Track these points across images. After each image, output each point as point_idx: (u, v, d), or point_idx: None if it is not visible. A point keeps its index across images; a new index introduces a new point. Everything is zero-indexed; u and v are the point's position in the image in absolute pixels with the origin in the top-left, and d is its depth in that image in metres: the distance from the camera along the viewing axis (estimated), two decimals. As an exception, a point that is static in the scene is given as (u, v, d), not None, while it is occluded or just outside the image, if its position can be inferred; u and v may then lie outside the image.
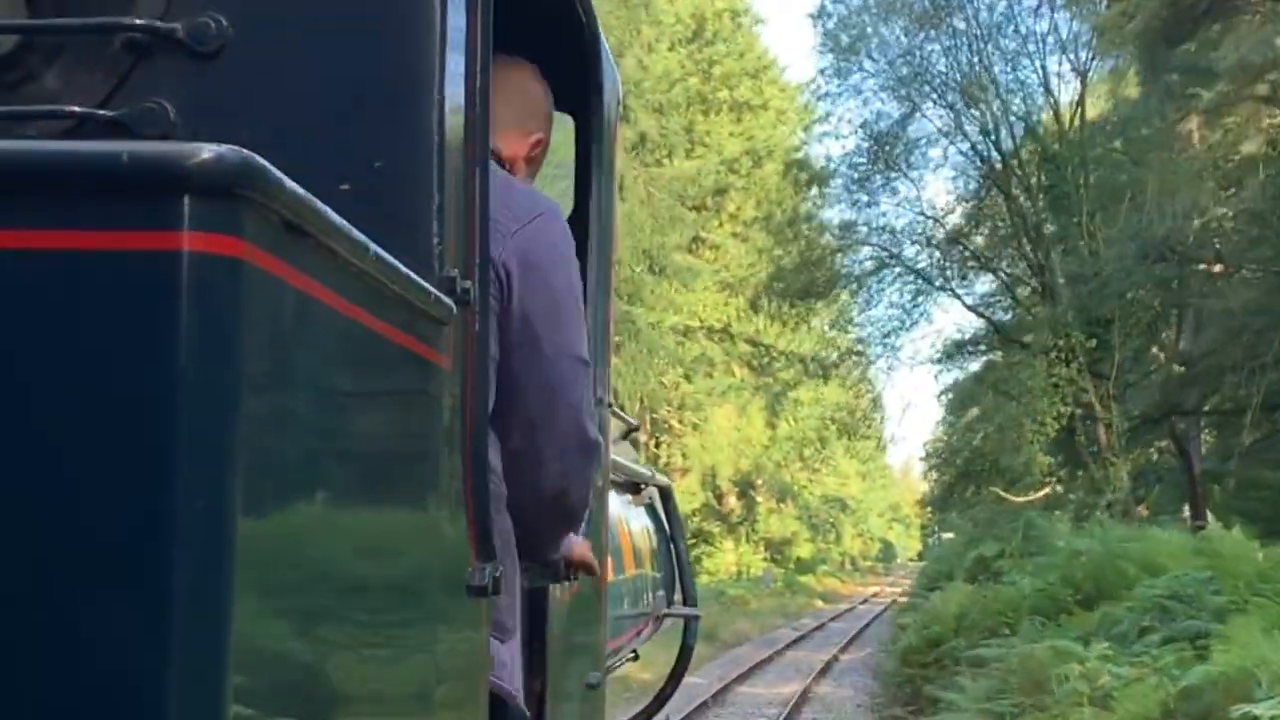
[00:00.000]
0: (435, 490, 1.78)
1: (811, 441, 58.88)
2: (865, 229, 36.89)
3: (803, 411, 54.92)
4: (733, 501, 52.19)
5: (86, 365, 1.16)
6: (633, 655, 4.53)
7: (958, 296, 36.75)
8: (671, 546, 5.02)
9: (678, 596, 5.00)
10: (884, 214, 36.73)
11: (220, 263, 1.17)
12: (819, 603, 48.88)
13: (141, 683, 1.15)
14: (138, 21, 1.73)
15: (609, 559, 3.49)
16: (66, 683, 1.15)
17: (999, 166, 34.19)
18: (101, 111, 1.73)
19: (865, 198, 36.51)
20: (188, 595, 1.15)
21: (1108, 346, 30.49)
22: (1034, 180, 34.10)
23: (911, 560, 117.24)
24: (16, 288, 1.17)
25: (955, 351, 38.25)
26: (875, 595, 58.78)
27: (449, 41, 1.84)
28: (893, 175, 36.48)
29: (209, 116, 1.73)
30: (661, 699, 4.62)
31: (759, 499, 54.87)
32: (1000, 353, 36.67)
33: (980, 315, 37.11)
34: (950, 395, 42.62)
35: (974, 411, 40.62)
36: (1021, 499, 38.06)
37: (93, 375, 1.16)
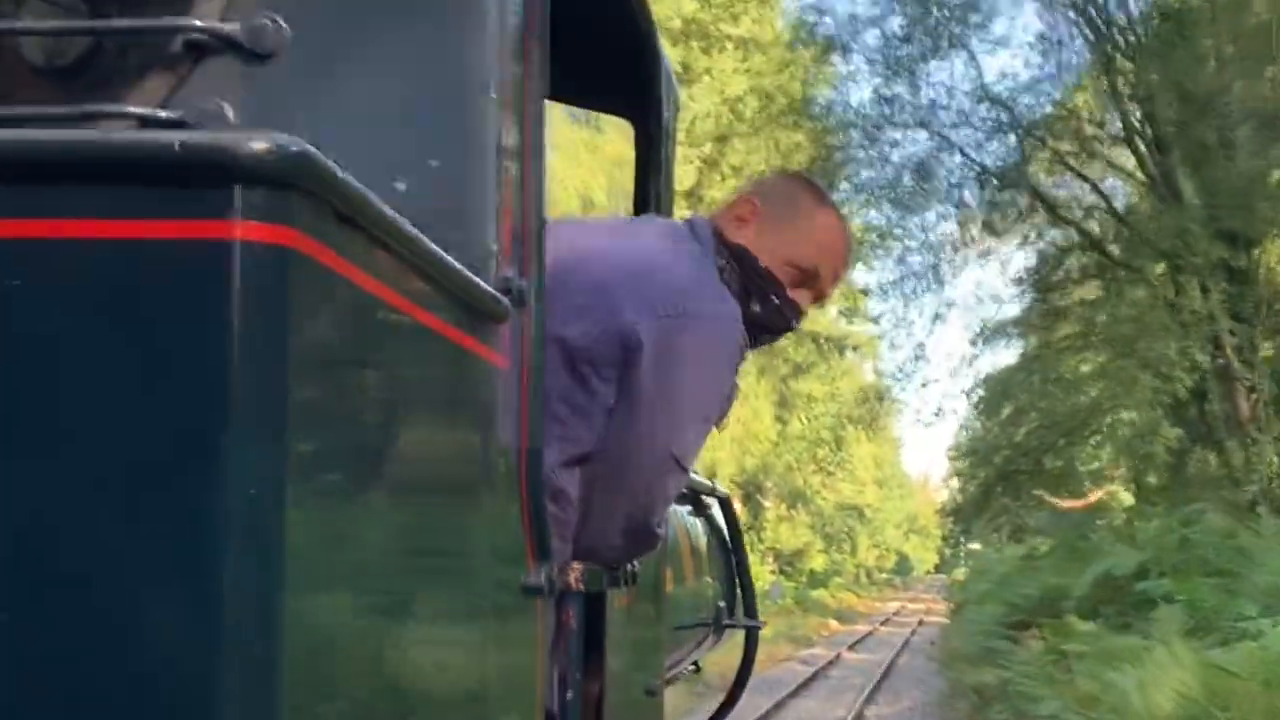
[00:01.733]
0: (489, 489, 1.78)
1: (826, 442, 54.18)
2: (908, 108, 27.22)
3: (816, 409, 50.23)
4: (737, 506, 47.81)
5: (137, 353, 1.16)
6: (694, 667, 4.53)
7: (1041, 198, 27.63)
8: (732, 557, 5.01)
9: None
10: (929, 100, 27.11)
11: (272, 252, 1.17)
12: (833, 623, 41.69)
13: (193, 672, 1.15)
14: (197, 23, 1.74)
15: (669, 568, 3.48)
16: (117, 670, 1.16)
17: (1100, 26, 24.96)
18: (161, 113, 1.75)
19: (901, 76, 26.92)
20: (238, 586, 1.15)
21: (1246, 279, 23.58)
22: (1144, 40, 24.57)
23: (929, 573, 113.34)
24: (69, 276, 1.18)
25: (996, 332, 32.03)
26: (897, 614, 52.71)
27: (505, 42, 1.85)
28: (943, 43, 26.47)
29: (266, 117, 1.74)
30: (723, 714, 4.63)
31: (767, 504, 50.84)
32: (1097, 282, 28.98)
33: (1070, 223, 28.26)
34: (981, 390, 36.48)
35: (1004, 412, 35.15)
36: (1070, 503, 35.27)
37: (143, 363, 1.16)
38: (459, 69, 1.82)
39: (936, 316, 32.03)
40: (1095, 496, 37.55)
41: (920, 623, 41.00)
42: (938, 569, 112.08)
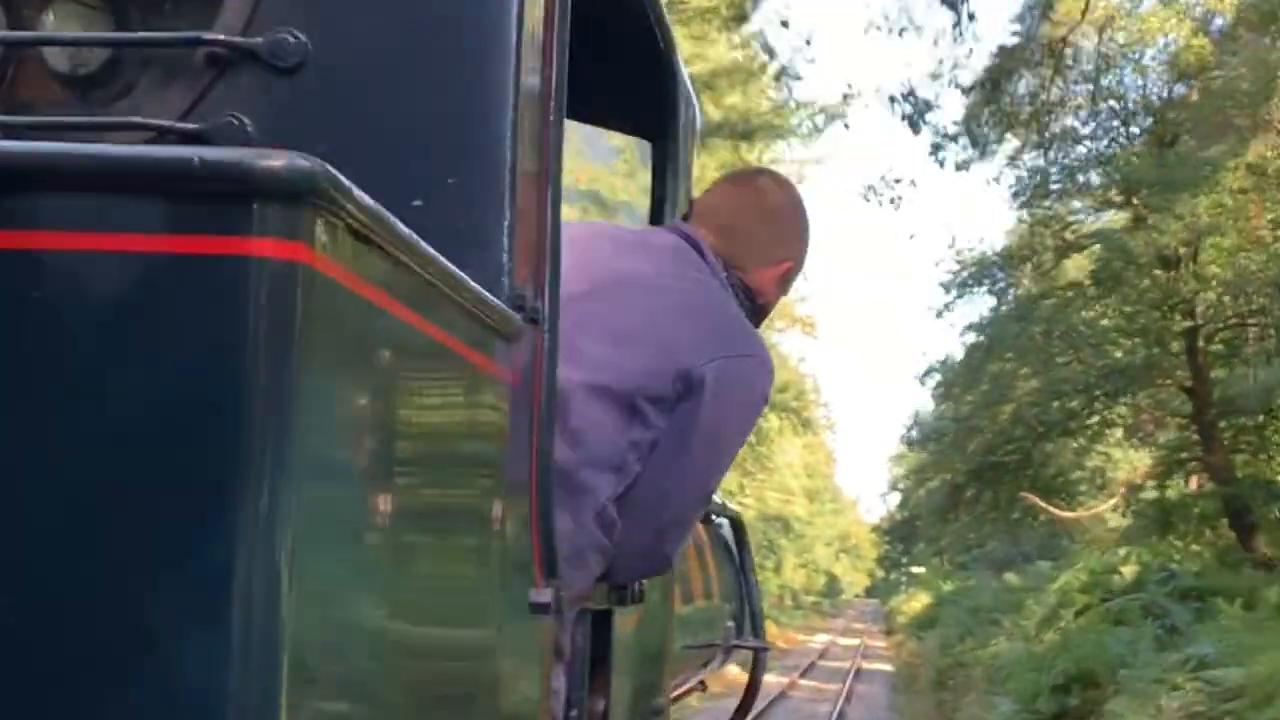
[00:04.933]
0: (499, 507, 1.79)
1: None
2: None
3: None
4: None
5: (152, 367, 1.17)
6: (700, 686, 4.52)
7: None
8: (741, 578, 5.00)
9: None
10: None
11: (287, 268, 1.18)
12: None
13: (199, 680, 1.16)
14: (220, 37, 1.76)
15: (678, 587, 3.48)
16: (127, 675, 1.16)
17: None
18: (181, 124, 1.76)
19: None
20: (247, 598, 1.16)
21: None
22: None
23: (858, 596, 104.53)
24: (85, 288, 1.19)
25: (983, 271, 26.90)
26: (826, 654, 37.98)
27: (524, 62, 1.86)
28: None
29: (286, 131, 1.76)
30: None
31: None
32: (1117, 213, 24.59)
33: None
34: (939, 367, 31.53)
35: (981, 386, 28.08)
36: (1072, 513, 29.42)
37: (158, 376, 1.17)
38: (478, 86, 1.83)
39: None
40: (1111, 503, 30.47)
41: (857, 670, 30.19)
42: (869, 592, 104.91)
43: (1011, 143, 26.32)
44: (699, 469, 2.49)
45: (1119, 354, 25.16)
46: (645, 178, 3.22)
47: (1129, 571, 20.34)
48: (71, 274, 1.19)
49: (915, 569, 63.66)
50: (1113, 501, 30.12)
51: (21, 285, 1.18)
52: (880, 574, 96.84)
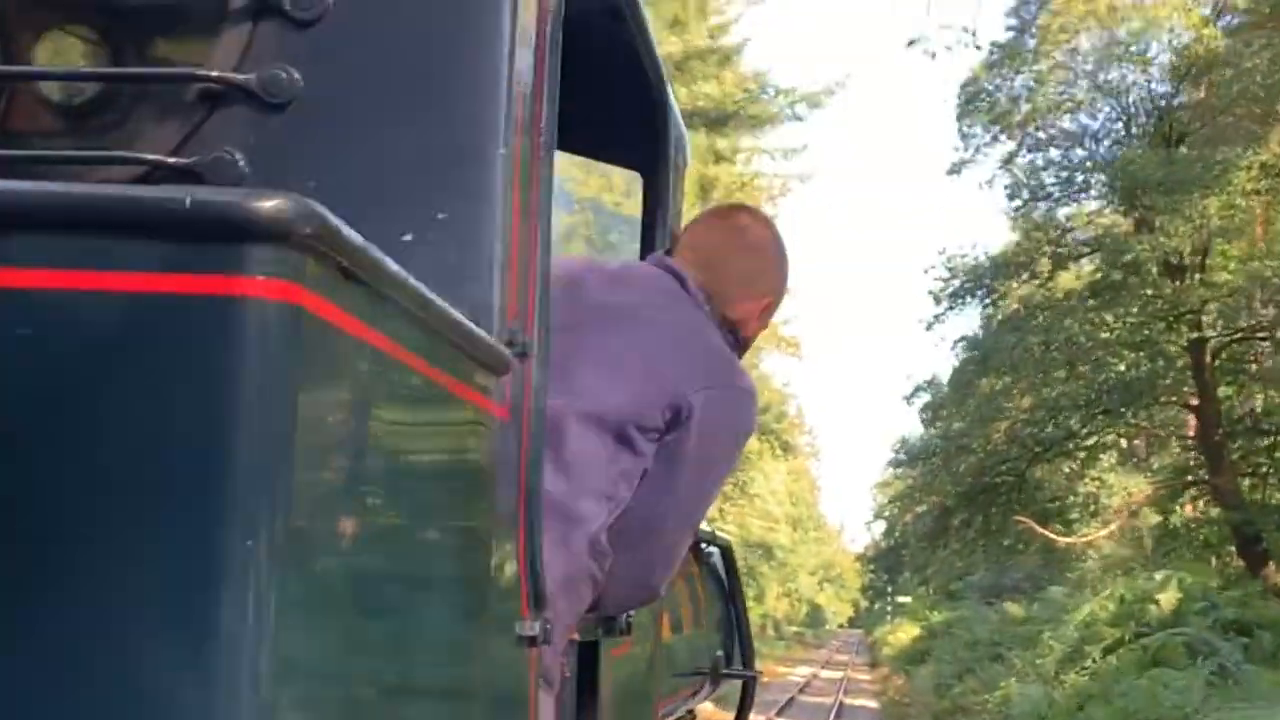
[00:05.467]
0: (488, 541, 1.80)
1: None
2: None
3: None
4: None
5: (144, 406, 1.18)
6: (689, 715, 4.52)
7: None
8: (730, 606, 5.02)
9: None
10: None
11: (279, 309, 1.19)
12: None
13: (182, 712, 1.16)
14: (214, 73, 1.77)
15: (667, 616, 3.49)
16: (111, 709, 1.17)
17: None
18: (173, 159, 1.77)
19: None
20: (232, 637, 1.17)
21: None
22: None
23: (842, 626, 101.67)
24: (78, 327, 1.20)
25: (976, 281, 25.50)
26: (807, 687, 34.41)
27: (514, 97, 1.87)
28: None
29: (278, 166, 1.77)
30: None
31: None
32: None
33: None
34: (926, 387, 30.07)
35: (970, 403, 26.91)
36: (1070, 539, 27.48)
37: (149, 416, 1.18)
38: (469, 121, 1.84)
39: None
40: (1105, 532, 28.71)
41: (839, 708, 27.32)
42: (852, 622, 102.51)
43: (1006, 145, 25.80)
44: (687, 499, 2.51)
45: (1122, 367, 23.88)
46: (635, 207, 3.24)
47: (1167, 601, 17.47)
48: (65, 313, 1.20)
49: (901, 598, 61.86)
50: (1111, 527, 28.37)
51: (14, 324, 1.19)
52: (865, 604, 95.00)
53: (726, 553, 5.03)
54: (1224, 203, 20.34)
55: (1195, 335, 22.12)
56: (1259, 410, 22.04)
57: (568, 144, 2.37)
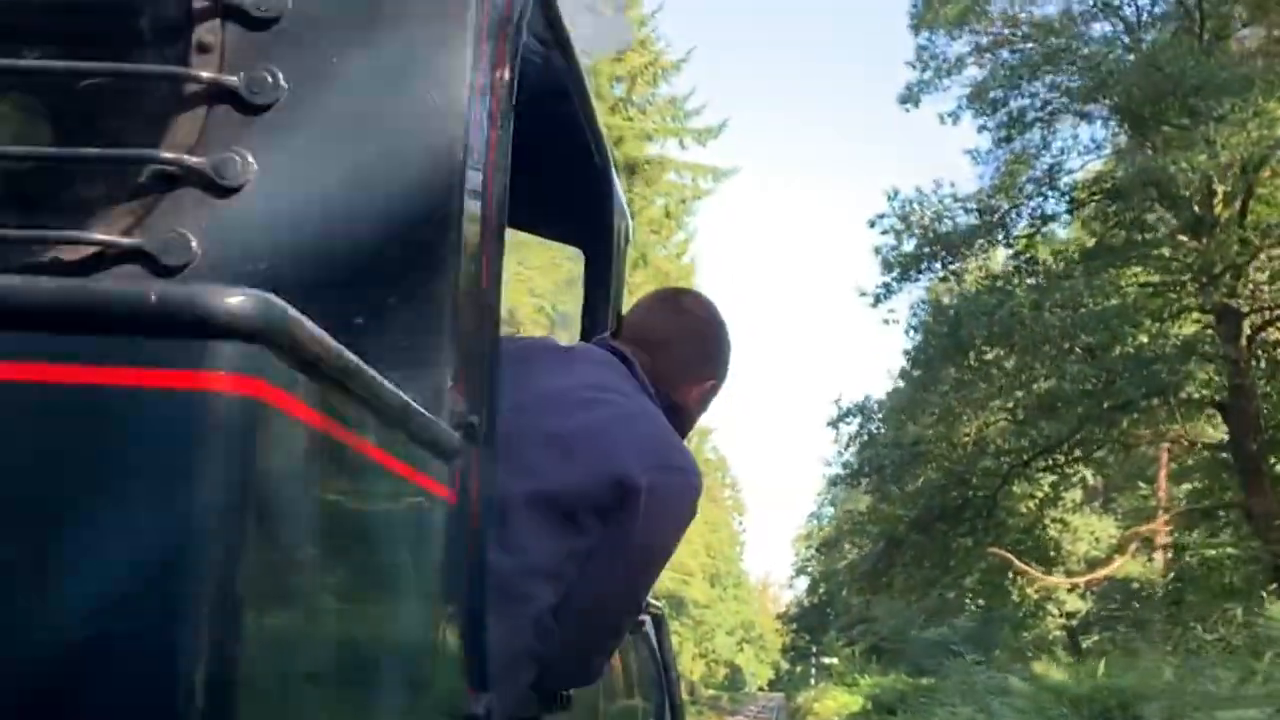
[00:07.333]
0: (437, 619, 1.81)
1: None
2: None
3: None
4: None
5: (107, 500, 1.19)
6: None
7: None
8: (661, 673, 5.01)
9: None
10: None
11: (242, 404, 1.20)
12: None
13: None
14: (168, 155, 1.78)
15: (601, 686, 3.48)
16: None
17: None
18: (125, 239, 1.78)
19: None
20: (192, 712, 1.17)
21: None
22: None
23: (762, 689, 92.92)
24: (41, 421, 1.20)
25: (936, 240, 20.51)
26: None
27: (467, 180, 1.89)
28: None
29: (230, 248, 1.78)
30: None
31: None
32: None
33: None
34: (855, 409, 22.94)
35: (943, 388, 20.70)
36: (1065, 580, 21.79)
37: (113, 510, 1.18)
38: (422, 208, 1.86)
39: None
40: (1109, 569, 22.23)
41: None
42: (773, 685, 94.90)
43: (972, 70, 20.78)
44: (632, 579, 2.53)
45: (1144, 339, 17.97)
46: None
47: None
48: (24, 407, 1.20)
49: (826, 659, 58.87)
50: (1120, 562, 22.27)
51: None
52: (785, 666, 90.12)
53: (659, 622, 5.03)
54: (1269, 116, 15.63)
55: (1228, 299, 16.99)
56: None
57: (511, 219, 2.40)
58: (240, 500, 1.20)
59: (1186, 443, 19.97)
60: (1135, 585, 23.54)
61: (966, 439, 20.72)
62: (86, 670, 1.17)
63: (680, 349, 2.76)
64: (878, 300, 21.94)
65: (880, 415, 23.12)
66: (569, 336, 3.13)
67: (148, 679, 1.17)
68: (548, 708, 2.64)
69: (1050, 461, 20.07)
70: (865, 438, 23.01)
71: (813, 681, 61.56)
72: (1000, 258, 21.51)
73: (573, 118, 2.79)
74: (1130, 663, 16.20)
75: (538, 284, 21.85)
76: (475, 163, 1.92)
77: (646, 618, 4.92)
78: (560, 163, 2.87)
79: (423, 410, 1.66)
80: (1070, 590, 23.61)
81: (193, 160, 1.79)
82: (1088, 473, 22.08)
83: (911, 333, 23.36)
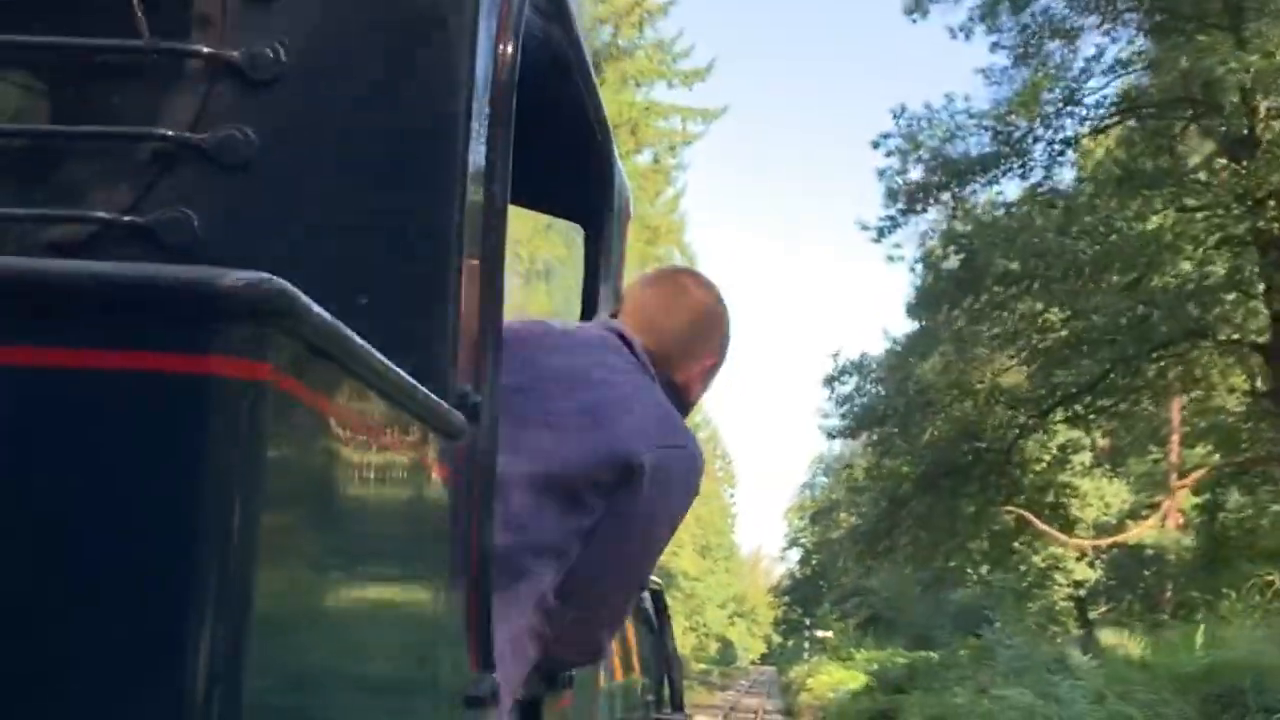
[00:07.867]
0: (442, 600, 1.80)
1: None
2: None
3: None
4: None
5: (109, 485, 1.17)
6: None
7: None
8: (660, 649, 5.03)
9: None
10: None
11: (247, 387, 1.18)
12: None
13: None
14: (168, 132, 1.76)
15: (603, 665, 3.48)
16: None
17: None
18: (126, 218, 1.76)
19: None
20: (200, 693, 1.16)
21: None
22: None
23: (754, 664, 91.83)
24: (42, 404, 1.19)
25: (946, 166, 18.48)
26: None
27: (470, 157, 1.87)
28: None
29: (232, 227, 1.76)
30: None
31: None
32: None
33: None
34: (852, 367, 22.20)
35: (957, 319, 19.08)
36: (1079, 541, 19.94)
37: (115, 495, 1.17)
38: (425, 184, 1.84)
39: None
40: (1141, 528, 20.31)
41: None
42: (764, 659, 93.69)
43: None
44: (634, 557, 2.53)
45: (1187, 266, 15.70)
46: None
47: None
48: (28, 390, 1.18)
49: (820, 632, 57.40)
50: (1149, 523, 20.06)
51: None
52: (778, 640, 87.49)
53: (657, 595, 5.03)
54: None
55: (1269, 228, 15.05)
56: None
57: (512, 196, 2.38)
58: (247, 484, 1.19)
59: (1226, 390, 17.89)
60: (1150, 552, 21.61)
61: (981, 386, 18.71)
62: (90, 654, 1.16)
63: (680, 329, 2.75)
64: (881, 234, 20.45)
65: (877, 374, 21.67)
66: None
67: (154, 660, 1.15)
68: (551, 687, 2.64)
69: (1071, 412, 18.06)
70: (864, 398, 21.55)
71: (805, 655, 59.56)
72: (1016, 190, 19.36)
73: (573, 92, 2.77)
74: (1215, 631, 14.43)
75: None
76: (478, 139, 1.91)
77: (645, 593, 4.93)
78: (561, 138, 2.86)
79: (428, 393, 1.65)
80: (1080, 559, 21.94)
81: (194, 137, 1.77)
82: (1097, 434, 20.32)
83: (919, 267, 21.53)
